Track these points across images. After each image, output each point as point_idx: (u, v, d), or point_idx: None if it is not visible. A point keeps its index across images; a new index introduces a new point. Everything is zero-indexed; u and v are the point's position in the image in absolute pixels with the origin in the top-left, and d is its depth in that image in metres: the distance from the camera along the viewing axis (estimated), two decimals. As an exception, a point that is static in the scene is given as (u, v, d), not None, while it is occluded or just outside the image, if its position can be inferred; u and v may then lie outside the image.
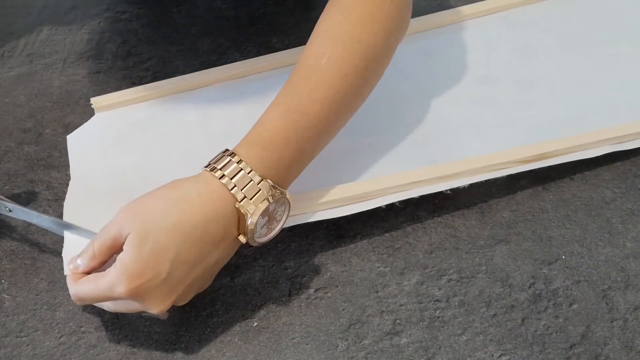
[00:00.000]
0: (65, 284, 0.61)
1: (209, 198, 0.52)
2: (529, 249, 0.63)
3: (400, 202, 0.66)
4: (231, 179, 0.53)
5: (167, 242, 0.50)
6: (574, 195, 0.67)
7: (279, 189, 0.55)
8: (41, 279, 0.62)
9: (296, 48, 0.77)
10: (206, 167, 0.54)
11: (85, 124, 0.71)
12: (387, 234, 0.65)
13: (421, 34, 0.81)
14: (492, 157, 0.65)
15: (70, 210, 0.63)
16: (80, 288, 0.53)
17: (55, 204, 0.67)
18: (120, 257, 0.51)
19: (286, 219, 0.57)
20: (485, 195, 0.68)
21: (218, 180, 0.53)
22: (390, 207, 0.66)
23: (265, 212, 0.54)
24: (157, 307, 0.52)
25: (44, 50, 0.83)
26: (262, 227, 0.55)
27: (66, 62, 0.82)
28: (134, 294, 0.50)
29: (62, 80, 0.79)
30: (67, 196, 0.64)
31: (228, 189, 0.52)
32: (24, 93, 0.78)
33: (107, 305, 0.54)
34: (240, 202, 0.52)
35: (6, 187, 0.68)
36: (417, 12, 0.82)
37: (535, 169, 0.68)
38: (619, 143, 0.68)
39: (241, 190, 0.53)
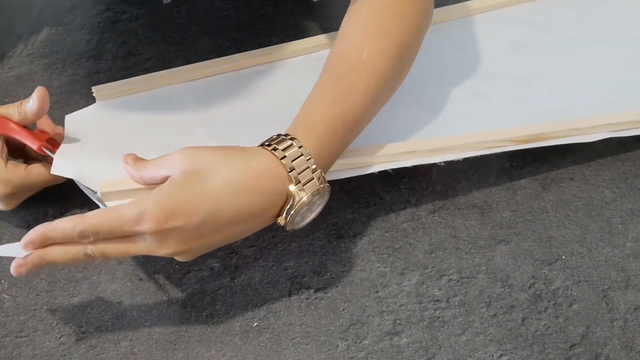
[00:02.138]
0: (65, 284, 0.61)
1: (266, 172, 0.52)
2: (529, 249, 0.63)
3: (400, 201, 0.66)
4: (292, 161, 0.53)
5: (213, 192, 0.50)
6: (574, 196, 0.67)
7: (326, 181, 0.55)
8: (41, 279, 0.62)
9: (294, 42, 0.77)
10: (265, 145, 0.55)
11: (85, 108, 0.71)
12: (387, 234, 0.65)
13: None
14: (487, 134, 0.65)
15: (59, 162, 0.61)
16: (94, 215, 0.50)
17: (55, 204, 0.67)
18: (160, 189, 0.50)
19: (321, 210, 0.58)
20: (485, 195, 0.68)
21: (278, 160, 0.52)
22: (391, 207, 0.66)
23: (311, 201, 0.55)
24: (167, 251, 0.51)
25: (44, 50, 0.83)
26: (300, 214, 0.55)
27: (66, 63, 0.82)
28: (158, 231, 0.49)
29: (62, 81, 0.79)
30: (57, 152, 0.63)
31: (286, 170, 0.52)
32: (24, 93, 0.78)
33: (108, 248, 0.51)
34: (294, 185, 0.53)
35: (6, 187, 0.68)
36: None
37: (534, 169, 0.68)
38: (616, 131, 0.68)
39: (298, 174, 0.53)
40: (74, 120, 0.70)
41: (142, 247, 0.51)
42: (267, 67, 0.76)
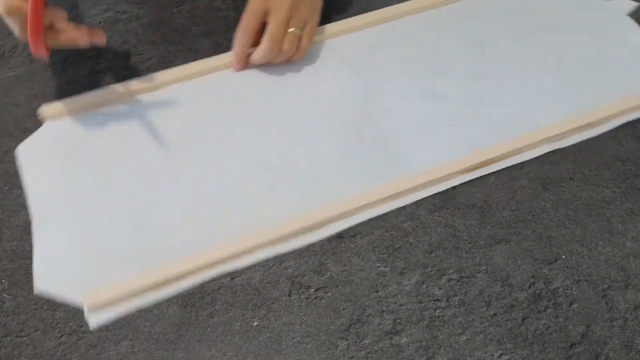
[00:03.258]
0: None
1: None
2: (529, 248, 0.63)
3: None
4: None
5: None
6: (574, 195, 0.67)
7: None
8: (41, 279, 0.62)
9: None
10: None
11: (35, 132, 0.70)
12: (387, 234, 0.65)
13: (370, 28, 0.82)
14: (434, 172, 0.67)
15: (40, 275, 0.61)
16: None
17: (55, 204, 0.67)
18: None
19: None
20: (485, 195, 0.68)
21: None
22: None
23: None
24: None
25: (44, 50, 0.83)
26: None
27: (66, 62, 0.82)
28: None
29: (62, 81, 0.79)
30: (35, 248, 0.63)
31: None
32: (24, 93, 0.78)
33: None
34: None
35: (6, 187, 0.68)
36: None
37: (534, 169, 0.68)
38: (558, 141, 0.70)
39: None
40: (27, 152, 0.69)
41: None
42: (224, 75, 0.77)
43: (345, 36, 0.80)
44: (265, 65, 0.76)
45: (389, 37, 0.81)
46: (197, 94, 0.75)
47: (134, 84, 0.75)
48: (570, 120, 0.71)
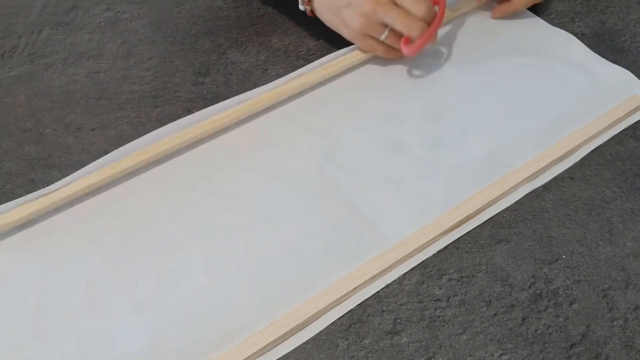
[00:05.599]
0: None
1: None
2: (530, 248, 0.63)
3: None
4: None
5: None
6: (575, 195, 0.67)
7: None
8: (42, 279, 0.62)
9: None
10: None
11: None
12: (387, 234, 0.65)
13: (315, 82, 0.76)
14: (418, 237, 0.62)
15: None
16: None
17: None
18: None
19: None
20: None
21: None
22: (391, 206, 0.66)
23: None
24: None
25: (45, 50, 0.83)
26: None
27: (66, 62, 0.82)
28: None
29: (62, 80, 0.80)
30: None
31: None
32: (24, 93, 0.78)
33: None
34: None
35: (7, 187, 0.68)
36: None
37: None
38: (534, 179, 0.68)
39: None
40: None
41: None
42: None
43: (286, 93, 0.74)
44: (205, 142, 0.69)
45: (330, 87, 0.76)
46: (133, 190, 0.66)
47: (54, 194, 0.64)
48: (541, 156, 0.68)
